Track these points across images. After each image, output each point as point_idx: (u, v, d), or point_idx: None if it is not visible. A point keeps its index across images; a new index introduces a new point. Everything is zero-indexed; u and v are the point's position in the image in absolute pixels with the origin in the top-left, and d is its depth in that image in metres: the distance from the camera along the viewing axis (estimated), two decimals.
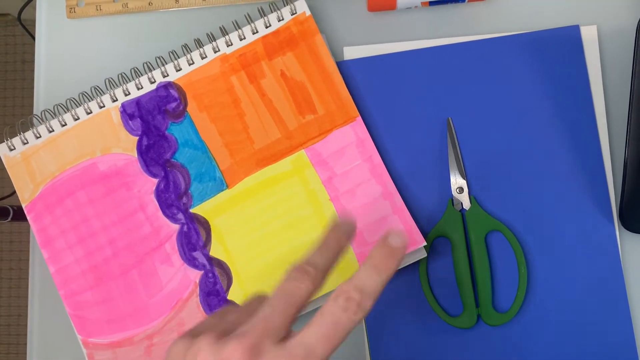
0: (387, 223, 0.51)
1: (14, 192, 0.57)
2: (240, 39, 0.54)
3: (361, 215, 0.52)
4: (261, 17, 0.54)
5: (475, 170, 0.53)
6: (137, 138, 0.54)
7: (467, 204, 0.52)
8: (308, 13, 0.54)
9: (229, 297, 0.52)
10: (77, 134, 0.55)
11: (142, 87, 0.54)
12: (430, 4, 0.54)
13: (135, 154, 0.54)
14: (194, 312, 0.52)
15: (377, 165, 0.52)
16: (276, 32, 0.54)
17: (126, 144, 0.54)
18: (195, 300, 0.52)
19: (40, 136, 0.55)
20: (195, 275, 0.53)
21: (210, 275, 0.52)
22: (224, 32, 0.54)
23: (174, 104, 0.54)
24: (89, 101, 0.55)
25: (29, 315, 0.56)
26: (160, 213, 0.53)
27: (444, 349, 0.52)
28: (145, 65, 0.55)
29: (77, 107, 0.55)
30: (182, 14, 0.58)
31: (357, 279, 0.36)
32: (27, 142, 0.55)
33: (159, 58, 0.54)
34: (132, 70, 0.55)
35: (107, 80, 0.55)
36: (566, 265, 0.52)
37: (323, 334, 0.34)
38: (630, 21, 0.54)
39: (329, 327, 0.35)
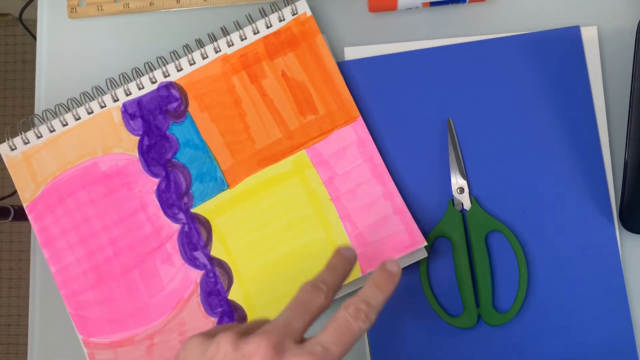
0: (388, 223, 0.51)
1: (15, 191, 0.57)
2: (242, 39, 0.54)
3: (362, 215, 0.52)
4: (262, 17, 0.54)
5: (476, 170, 0.53)
6: (138, 138, 0.54)
7: (467, 204, 0.53)
8: (309, 13, 0.54)
9: (229, 297, 0.52)
10: (78, 133, 0.55)
11: (143, 87, 0.54)
12: (431, 4, 0.54)
13: (136, 153, 0.54)
14: (195, 312, 0.52)
15: (377, 165, 0.52)
16: (277, 33, 0.54)
17: (127, 144, 0.54)
18: (196, 300, 0.52)
19: (42, 136, 0.55)
20: (196, 275, 0.53)
21: (211, 275, 0.53)
22: (225, 32, 0.54)
23: (175, 104, 0.54)
24: (90, 101, 0.55)
25: (30, 315, 0.56)
26: (161, 213, 0.53)
27: (444, 349, 0.52)
28: (146, 65, 0.55)
29: (78, 106, 0.55)
30: (184, 14, 0.58)
31: (364, 295, 0.41)
32: (29, 142, 0.55)
33: (160, 58, 0.55)
34: (133, 70, 0.55)
35: (108, 80, 0.55)
36: (566, 265, 0.52)
37: (337, 336, 0.38)
38: (630, 22, 0.55)
39: (342, 331, 0.39)
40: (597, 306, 0.51)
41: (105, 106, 0.55)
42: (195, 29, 0.57)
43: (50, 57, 0.58)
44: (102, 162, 0.54)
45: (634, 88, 0.51)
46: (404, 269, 0.52)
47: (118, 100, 0.55)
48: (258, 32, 0.54)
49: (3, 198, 0.75)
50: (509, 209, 0.53)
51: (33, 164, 0.55)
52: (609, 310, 0.51)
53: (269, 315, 0.52)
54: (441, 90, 0.54)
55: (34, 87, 0.58)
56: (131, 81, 0.55)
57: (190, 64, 0.54)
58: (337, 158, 0.53)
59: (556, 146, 0.53)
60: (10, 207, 1.02)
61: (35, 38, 0.60)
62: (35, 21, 0.59)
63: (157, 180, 0.54)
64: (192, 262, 0.53)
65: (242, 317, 0.52)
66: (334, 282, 0.42)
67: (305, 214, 0.52)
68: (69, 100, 0.55)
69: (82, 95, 0.55)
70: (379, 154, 0.53)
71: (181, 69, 0.54)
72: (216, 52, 0.54)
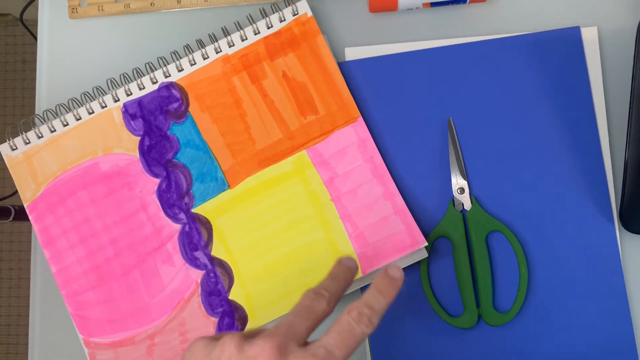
0: (389, 223, 0.51)
1: (16, 191, 0.57)
2: (242, 40, 0.54)
3: (362, 215, 0.52)
4: (263, 17, 0.54)
5: (476, 170, 0.53)
6: (139, 138, 0.54)
7: (468, 205, 0.53)
8: (310, 14, 0.54)
9: (230, 297, 0.52)
10: (79, 133, 0.55)
11: (144, 88, 0.55)
12: (432, 5, 0.54)
13: (137, 154, 0.54)
14: (196, 312, 0.52)
15: (378, 165, 0.52)
16: (278, 33, 0.54)
17: (128, 144, 0.54)
18: (197, 300, 0.52)
19: (42, 136, 0.55)
20: (197, 275, 0.53)
21: (211, 275, 0.53)
22: (226, 32, 0.54)
23: (175, 104, 0.54)
24: (91, 101, 0.55)
25: (31, 315, 0.56)
26: (162, 213, 0.53)
27: (444, 349, 0.52)
28: (147, 65, 0.55)
29: (79, 107, 0.55)
30: (184, 14, 0.58)
31: (367, 299, 0.41)
32: (29, 142, 0.55)
33: (160, 58, 0.55)
34: (134, 71, 0.55)
35: (109, 81, 0.55)
36: (566, 265, 0.52)
37: (340, 340, 0.39)
38: (630, 22, 0.55)
39: (345, 334, 0.39)
40: (597, 306, 0.51)
41: (106, 106, 0.55)
42: (196, 29, 0.57)
43: (51, 57, 0.58)
44: (102, 162, 0.54)
45: (634, 88, 0.51)
46: (404, 269, 0.52)
47: (119, 100, 0.55)
48: (259, 32, 0.54)
49: (4, 198, 0.75)
50: (509, 209, 0.53)
51: (34, 164, 0.55)
52: (609, 310, 0.51)
53: (269, 314, 0.52)
54: (442, 91, 0.54)
55: (34, 87, 0.58)
56: (132, 81, 0.55)
57: (191, 64, 0.54)
58: (338, 158, 0.53)
59: (556, 146, 0.53)
60: (11, 207, 1.02)
61: (35, 38, 0.60)
62: (35, 21, 0.59)
63: (157, 181, 0.54)
64: (193, 262, 0.53)
65: (243, 317, 0.52)
66: (336, 290, 0.43)
67: (306, 214, 0.52)
68: (70, 101, 0.55)
69: (82, 95, 0.55)
70: (379, 154, 0.53)
71: (182, 69, 0.54)
72: (217, 52, 0.54)
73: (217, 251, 0.53)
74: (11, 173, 0.55)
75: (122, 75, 0.55)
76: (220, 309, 0.52)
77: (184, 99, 0.54)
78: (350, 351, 0.39)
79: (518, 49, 0.54)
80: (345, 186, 0.52)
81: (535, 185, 0.53)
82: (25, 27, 0.70)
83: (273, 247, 0.52)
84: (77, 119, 0.55)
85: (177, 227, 0.53)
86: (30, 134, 0.55)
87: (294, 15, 0.54)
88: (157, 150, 0.54)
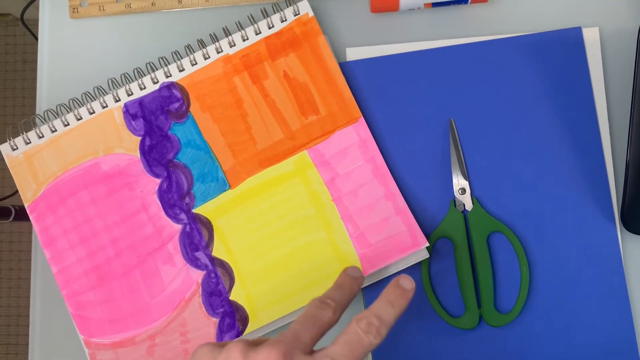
0: (390, 224, 0.51)
1: (16, 191, 0.57)
2: (243, 40, 0.54)
3: (363, 216, 0.52)
4: (264, 17, 0.54)
5: (478, 171, 0.53)
6: (139, 138, 0.54)
7: (469, 205, 0.53)
8: (311, 14, 0.54)
9: (231, 298, 0.52)
10: (80, 134, 0.55)
11: (145, 88, 0.54)
12: (433, 5, 0.54)
13: (138, 154, 0.54)
14: (196, 313, 0.52)
15: (379, 166, 0.52)
16: (279, 33, 0.54)
17: (129, 144, 0.54)
18: (198, 300, 0.52)
19: (43, 136, 0.55)
20: (198, 275, 0.53)
21: (212, 275, 0.53)
22: (227, 32, 0.54)
23: (176, 104, 0.54)
24: (92, 101, 0.55)
25: (31, 315, 0.56)
26: (162, 213, 0.53)
27: (445, 350, 0.52)
28: (148, 65, 0.55)
29: (80, 107, 0.55)
30: (185, 14, 0.58)
31: (376, 309, 0.41)
32: (30, 142, 0.55)
33: (161, 58, 0.55)
34: (135, 71, 0.55)
35: (109, 81, 0.55)
36: (568, 266, 0.52)
37: (348, 349, 0.38)
38: (632, 23, 0.55)
39: (353, 345, 0.39)
40: (598, 307, 0.51)
41: (106, 106, 0.55)
42: (197, 29, 0.57)
43: (51, 57, 0.58)
44: (103, 162, 0.54)
45: (636, 89, 0.51)
46: (404, 269, 0.52)
47: (120, 100, 0.55)
48: (260, 32, 0.54)
49: (4, 198, 0.75)
50: (510, 209, 0.53)
51: (34, 164, 0.55)
52: (610, 311, 0.51)
53: (270, 315, 0.52)
54: (443, 91, 0.54)
55: (34, 87, 0.58)
56: (133, 81, 0.55)
57: (192, 64, 0.54)
58: (339, 159, 0.53)
59: (558, 147, 0.53)
60: (11, 207, 1.02)
61: (36, 38, 0.60)
62: (36, 21, 0.59)
63: (158, 181, 0.54)
64: (194, 262, 0.53)
65: (244, 317, 0.52)
66: (342, 299, 0.43)
67: (307, 214, 0.52)
68: (71, 101, 0.55)
69: (83, 95, 0.55)
70: (380, 155, 0.53)
71: (183, 69, 0.54)
72: (218, 52, 0.54)
73: (217, 251, 0.53)
74: (12, 173, 0.55)
75: (123, 75, 0.55)
76: (221, 310, 0.52)
77: (185, 99, 0.54)
78: None
79: (519, 50, 0.54)
80: (346, 186, 0.52)
81: (536, 185, 0.53)
82: (26, 27, 0.70)
83: (274, 247, 0.52)
84: (78, 119, 0.55)
85: (178, 227, 0.53)
86: (31, 134, 0.55)
87: (295, 15, 0.54)
88: (158, 151, 0.54)
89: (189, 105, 0.54)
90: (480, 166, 0.53)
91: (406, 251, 0.51)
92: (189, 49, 0.55)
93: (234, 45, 0.54)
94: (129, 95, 0.55)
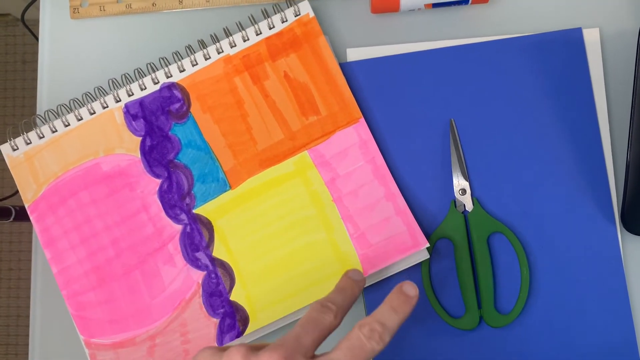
0: (390, 224, 0.51)
1: (16, 192, 0.57)
2: (244, 40, 0.54)
3: (364, 216, 0.52)
4: (265, 18, 0.54)
5: (478, 172, 0.53)
6: (140, 139, 0.54)
7: (469, 206, 0.53)
8: (312, 15, 0.54)
9: (231, 298, 0.52)
10: (80, 134, 0.55)
11: (145, 88, 0.54)
12: (434, 6, 0.54)
13: (138, 154, 0.54)
14: (197, 313, 0.52)
15: (379, 166, 0.52)
16: (280, 34, 0.54)
17: (129, 145, 0.54)
18: (198, 301, 0.52)
19: (44, 136, 0.55)
20: (198, 275, 0.53)
21: (213, 275, 0.53)
22: (228, 33, 0.54)
23: (177, 105, 0.54)
24: (92, 102, 0.55)
25: (31, 316, 0.56)
26: (163, 214, 0.53)
27: (445, 351, 0.52)
28: (148, 66, 0.55)
29: (81, 107, 0.55)
30: (186, 14, 0.58)
31: (380, 315, 0.41)
32: (30, 142, 0.55)
33: (162, 59, 0.55)
34: (136, 71, 0.55)
35: (110, 81, 0.55)
36: (568, 267, 0.52)
37: (350, 355, 0.38)
38: (632, 24, 0.55)
39: (355, 350, 0.39)
40: (598, 308, 0.51)
41: (107, 107, 0.55)
42: (197, 29, 0.57)
43: (52, 57, 0.58)
44: (104, 162, 0.54)
45: (636, 90, 0.51)
46: (406, 270, 0.52)
47: (120, 100, 0.55)
48: (260, 33, 0.54)
49: (4, 198, 0.75)
50: (511, 210, 0.53)
51: (35, 164, 0.55)
52: (610, 312, 0.51)
53: (271, 315, 0.52)
54: (443, 92, 0.54)
55: (34, 88, 0.59)
56: (133, 82, 0.55)
57: (193, 65, 0.54)
58: (339, 159, 0.53)
59: (558, 148, 0.53)
60: (12, 208, 1.02)
61: (37, 38, 0.60)
62: (36, 21, 0.59)
63: (159, 181, 0.54)
64: (194, 262, 0.53)
65: (244, 317, 0.52)
66: (343, 302, 0.43)
67: (307, 214, 0.52)
68: (71, 101, 0.55)
69: (84, 95, 0.55)
70: (381, 155, 0.53)
71: (183, 70, 0.54)
72: (218, 53, 0.54)
73: (218, 252, 0.53)
74: (12, 173, 0.55)
75: (123, 76, 0.55)
76: (222, 310, 0.52)
77: (186, 100, 0.54)
78: None
79: (520, 50, 0.54)
80: (346, 187, 0.52)
81: (536, 186, 0.53)
82: (27, 27, 0.70)
83: (274, 247, 0.52)
84: (79, 119, 0.55)
85: (179, 227, 0.53)
86: (32, 134, 0.55)
87: (296, 15, 0.54)
88: (158, 151, 0.54)
89: (189, 105, 0.54)
90: (481, 167, 0.53)
91: (406, 252, 0.51)
92: (190, 50, 0.55)
93: (235, 45, 0.54)
94: (129, 95, 0.55)
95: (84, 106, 0.55)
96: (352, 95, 0.53)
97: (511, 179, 0.53)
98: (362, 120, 0.53)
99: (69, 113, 0.55)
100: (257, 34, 0.54)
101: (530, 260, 0.52)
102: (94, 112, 0.55)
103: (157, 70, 0.55)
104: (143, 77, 0.55)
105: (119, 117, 0.54)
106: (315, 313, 0.41)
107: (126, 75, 0.55)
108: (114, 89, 0.55)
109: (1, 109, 1.41)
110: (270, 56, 0.54)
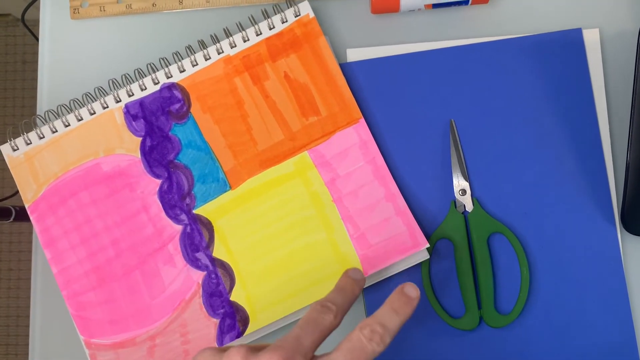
0: (390, 225, 0.51)
1: (16, 192, 0.57)
2: (244, 41, 0.54)
3: (364, 216, 0.52)
4: (265, 19, 0.54)
5: (478, 172, 0.53)
6: (140, 139, 0.54)
7: (469, 206, 0.53)
8: (312, 15, 0.54)
9: (231, 298, 0.52)
10: (81, 134, 0.55)
11: (145, 88, 0.55)
12: (434, 6, 0.54)
13: (138, 154, 0.54)
14: (197, 313, 0.52)
15: (380, 166, 0.52)
16: (280, 34, 0.54)
17: (130, 145, 0.54)
18: (198, 301, 0.52)
19: (44, 136, 0.55)
20: (198, 276, 0.53)
21: (213, 276, 0.53)
22: (228, 33, 0.54)
23: (177, 105, 0.54)
24: (93, 102, 0.55)
25: (31, 316, 0.56)
26: (163, 214, 0.53)
27: (445, 351, 0.52)
28: (148, 66, 0.55)
29: (81, 107, 0.55)
30: (186, 15, 0.58)
31: (381, 317, 0.40)
32: (31, 143, 0.55)
33: (162, 59, 0.55)
34: (136, 71, 0.55)
35: (110, 81, 0.55)
36: (568, 267, 0.52)
37: (350, 357, 0.38)
38: (632, 24, 0.55)
39: (356, 352, 0.38)
40: (598, 308, 0.51)
41: (107, 107, 0.55)
42: (197, 30, 0.57)
43: (52, 57, 0.58)
44: (104, 163, 0.54)
45: (636, 90, 0.52)
46: (406, 270, 0.52)
47: (120, 101, 0.55)
48: (261, 33, 0.54)
49: (4, 199, 0.75)
50: (511, 210, 0.53)
51: (35, 165, 0.55)
52: (610, 312, 0.51)
53: (271, 315, 0.52)
54: (443, 92, 0.54)
55: (34, 88, 0.59)
56: (133, 82, 0.55)
57: (193, 65, 0.54)
58: (340, 159, 0.53)
59: (558, 148, 0.53)
60: (12, 208, 1.02)
61: (37, 39, 0.60)
62: (37, 22, 0.59)
63: (159, 182, 0.54)
64: (194, 263, 0.53)
65: (244, 318, 0.52)
66: (343, 302, 0.42)
67: (307, 215, 0.52)
68: (71, 101, 0.55)
69: (84, 96, 0.55)
70: (381, 156, 0.53)
71: (184, 70, 0.54)
72: (219, 53, 0.54)
73: (218, 252, 0.53)
74: (12, 173, 0.55)
75: (123, 76, 0.55)
76: (222, 310, 0.52)
77: (186, 100, 0.54)
78: None
79: (520, 51, 0.54)
80: (346, 187, 0.52)
81: (536, 187, 0.53)
82: (27, 27, 0.70)
83: (274, 248, 0.52)
84: (79, 120, 0.55)
85: (179, 228, 0.53)
86: (32, 135, 0.55)
87: (296, 16, 0.54)
88: (158, 151, 0.54)
89: (189, 106, 0.54)
90: (481, 167, 0.53)
91: (406, 252, 0.51)
92: (190, 50, 0.55)
93: (235, 46, 0.54)
94: (129, 96, 0.55)
95: (84, 106, 0.55)
96: (352, 96, 0.53)
97: (511, 179, 0.53)
98: (362, 120, 0.53)
99: (69, 113, 0.55)
100: (257, 35, 0.54)
101: (530, 261, 0.52)
102: (94, 113, 0.55)
103: (157, 70, 0.55)
104: (143, 77, 0.55)
105: (119, 118, 0.54)
106: (315, 313, 0.41)
107: (126, 75, 0.55)
108: (114, 89, 0.55)
109: (1, 109, 1.41)
110: (271, 57, 0.54)
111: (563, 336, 0.51)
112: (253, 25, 0.54)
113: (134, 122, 0.54)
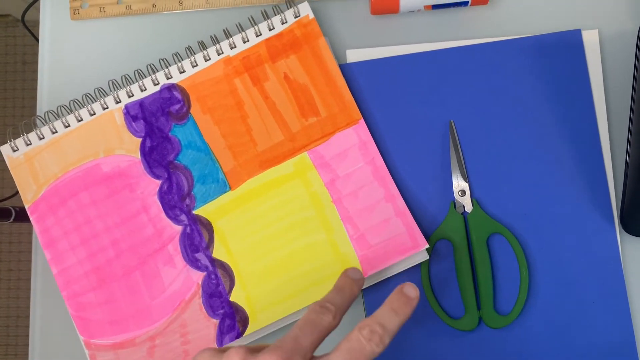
0: (390, 225, 0.51)
1: (16, 192, 0.57)
2: (244, 42, 0.54)
3: (363, 217, 0.52)
4: (265, 20, 0.54)
5: (478, 173, 0.53)
6: (140, 140, 0.54)
7: (469, 207, 0.53)
8: (311, 16, 0.54)
9: (231, 299, 0.52)
10: (81, 135, 0.55)
11: (145, 89, 0.55)
12: (433, 7, 0.54)
13: (138, 155, 0.54)
14: (197, 314, 0.52)
15: (379, 167, 0.52)
16: (280, 35, 0.54)
17: (129, 146, 0.54)
18: (198, 301, 0.52)
19: (44, 137, 0.55)
20: (198, 276, 0.53)
21: (212, 276, 0.53)
22: (228, 34, 0.54)
23: (177, 106, 0.54)
24: (93, 103, 0.55)
25: (31, 316, 0.56)
26: (163, 214, 0.53)
27: (445, 351, 0.52)
28: (148, 67, 0.55)
29: (81, 108, 0.55)
30: (186, 16, 0.58)
31: (380, 317, 0.40)
32: (31, 143, 0.55)
33: (162, 60, 0.55)
34: (136, 72, 0.55)
35: (110, 82, 0.55)
36: (567, 268, 0.52)
37: (349, 357, 0.38)
38: (631, 25, 0.55)
39: (355, 352, 0.38)
40: (598, 309, 0.51)
41: (107, 108, 0.55)
42: (197, 31, 0.57)
43: (52, 58, 0.58)
44: (104, 163, 0.54)
45: (635, 91, 0.52)
46: (405, 271, 0.52)
47: (120, 101, 0.55)
48: (260, 34, 0.54)
49: (4, 199, 0.75)
50: (510, 211, 0.53)
51: (35, 165, 0.55)
52: (609, 313, 0.51)
53: (271, 316, 0.52)
54: (443, 93, 0.54)
55: (34, 89, 0.59)
56: (133, 83, 0.55)
57: (193, 66, 0.54)
58: (339, 160, 0.53)
59: (557, 149, 0.53)
60: (12, 209, 1.02)
61: (37, 39, 0.60)
62: (37, 22, 0.59)
63: (159, 182, 0.54)
64: (194, 263, 0.53)
65: (244, 318, 0.52)
66: (342, 302, 0.42)
67: (307, 216, 0.52)
68: (71, 102, 0.55)
69: (84, 96, 0.55)
70: (380, 157, 0.53)
71: (183, 71, 0.54)
72: (218, 54, 0.54)
73: (218, 253, 0.53)
74: (12, 174, 0.55)
75: (123, 77, 0.55)
76: (221, 311, 0.52)
77: (186, 101, 0.54)
78: None
79: (519, 52, 0.54)
80: (346, 188, 0.52)
81: (536, 187, 0.53)
82: (27, 28, 0.70)
83: (274, 248, 0.52)
84: (79, 120, 0.55)
85: (178, 228, 0.53)
86: (32, 135, 0.55)
87: (296, 17, 0.54)
88: (158, 152, 0.54)
89: (189, 106, 0.54)
90: (480, 168, 0.53)
91: (406, 253, 0.51)
92: (190, 51, 0.55)
93: (235, 47, 0.54)
94: (129, 96, 0.55)
95: (84, 107, 0.55)
96: (351, 97, 0.53)
97: (510, 180, 0.53)
98: (362, 121, 0.53)
99: (69, 114, 0.55)
100: (257, 36, 0.54)
101: (530, 261, 0.52)
102: (94, 113, 0.55)
103: (157, 71, 0.55)
104: (143, 78, 0.55)
105: (119, 118, 0.54)
106: (313, 314, 0.41)
107: (126, 76, 0.55)
108: (114, 90, 0.55)
109: (1, 110, 1.41)
110: (270, 57, 0.54)
111: (562, 337, 0.51)
112: (253, 26, 0.54)
113: (133, 123, 0.54)
